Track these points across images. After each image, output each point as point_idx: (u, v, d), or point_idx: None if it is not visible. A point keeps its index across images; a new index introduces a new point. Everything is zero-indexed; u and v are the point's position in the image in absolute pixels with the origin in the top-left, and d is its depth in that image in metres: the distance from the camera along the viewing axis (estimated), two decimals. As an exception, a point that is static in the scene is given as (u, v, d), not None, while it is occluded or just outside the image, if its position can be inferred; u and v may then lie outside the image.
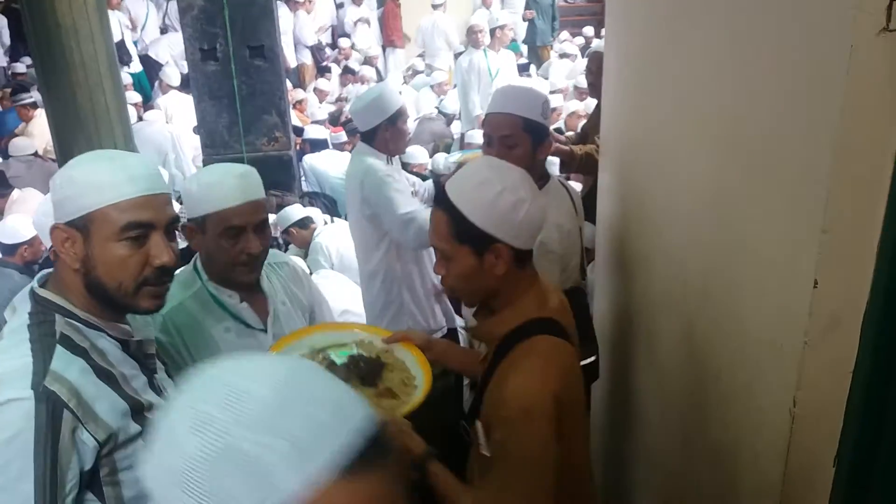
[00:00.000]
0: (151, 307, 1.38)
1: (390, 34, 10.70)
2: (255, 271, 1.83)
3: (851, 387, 1.25)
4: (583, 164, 3.42)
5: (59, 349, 1.28)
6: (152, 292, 1.36)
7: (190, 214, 1.79)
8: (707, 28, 1.64)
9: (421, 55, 10.05)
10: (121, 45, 8.71)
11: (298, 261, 3.68)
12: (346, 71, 9.41)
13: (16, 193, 5.15)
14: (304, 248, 4.51)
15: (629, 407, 2.43)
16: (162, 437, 0.66)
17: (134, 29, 9.66)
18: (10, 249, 4.08)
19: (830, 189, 1.15)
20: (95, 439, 1.28)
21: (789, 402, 1.31)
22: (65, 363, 1.27)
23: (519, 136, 2.14)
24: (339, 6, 10.95)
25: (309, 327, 1.94)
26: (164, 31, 10.14)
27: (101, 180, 1.30)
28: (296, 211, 4.50)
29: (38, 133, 6.45)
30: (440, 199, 1.47)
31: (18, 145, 6.01)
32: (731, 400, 1.59)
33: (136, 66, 9.05)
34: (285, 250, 4.57)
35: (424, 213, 2.60)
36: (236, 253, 1.74)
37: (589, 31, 10.16)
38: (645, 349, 2.25)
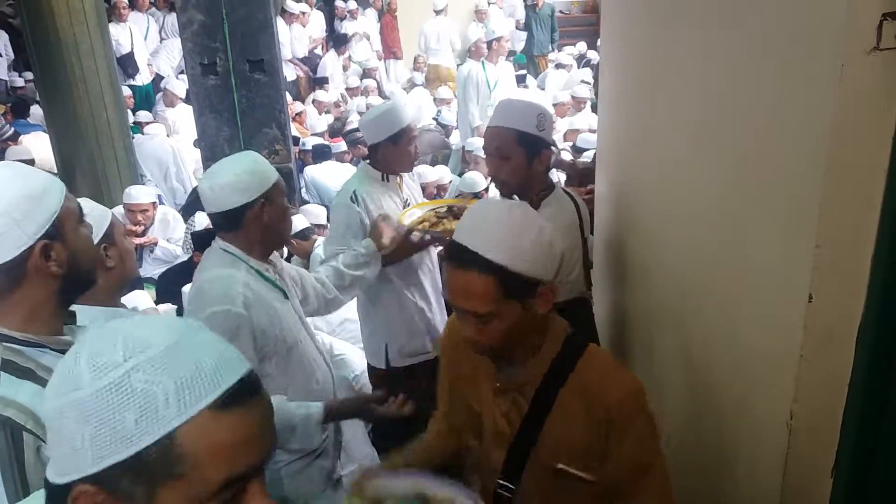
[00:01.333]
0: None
1: (390, 46, 10.77)
2: None
3: (848, 399, 1.26)
4: (586, 176, 3.46)
5: (3, 376, 1.29)
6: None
7: (248, 198, 1.97)
8: (701, 44, 1.66)
9: (421, 58, 10.09)
10: (129, 56, 8.75)
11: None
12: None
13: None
14: (305, 259, 4.53)
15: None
16: (64, 376, 0.76)
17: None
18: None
19: (823, 205, 1.17)
20: None
21: (786, 415, 1.32)
22: (13, 388, 1.29)
23: (512, 149, 2.16)
24: (340, 20, 11.01)
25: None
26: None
27: (47, 183, 1.36)
28: (297, 222, 4.53)
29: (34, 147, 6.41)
30: (476, 263, 1.29)
31: (16, 151, 5.91)
32: (727, 412, 1.60)
33: (144, 78, 9.08)
34: (288, 260, 4.62)
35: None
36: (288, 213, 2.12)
37: (582, 46, 10.12)
38: (641, 360, 2.26)
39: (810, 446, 1.32)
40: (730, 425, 1.59)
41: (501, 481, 1.45)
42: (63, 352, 1.38)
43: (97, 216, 1.89)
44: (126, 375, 0.73)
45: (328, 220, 4.78)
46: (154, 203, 5.05)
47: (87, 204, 1.89)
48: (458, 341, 1.54)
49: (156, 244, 4.81)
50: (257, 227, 2.00)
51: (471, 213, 1.39)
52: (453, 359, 1.60)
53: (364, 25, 10.82)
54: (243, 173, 1.98)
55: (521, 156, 2.16)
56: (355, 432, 3.02)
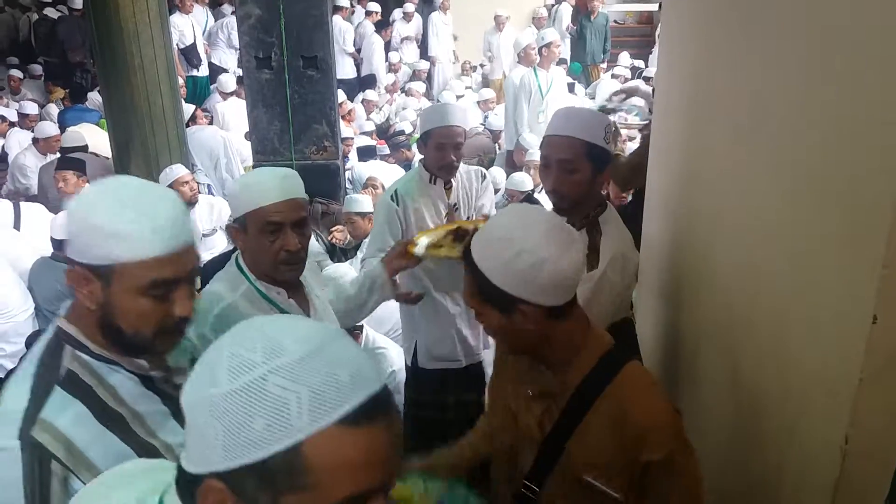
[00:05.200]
0: (168, 349, 1.34)
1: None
2: (298, 269, 1.85)
3: (908, 427, 1.21)
4: None
5: (57, 391, 1.23)
6: (171, 338, 1.32)
7: (234, 215, 1.85)
8: (767, 51, 1.62)
9: (468, 64, 10.13)
10: (192, 48, 8.95)
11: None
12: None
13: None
14: (358, 239, 4.72)
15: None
16: (204, 370, 0.78)
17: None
18: (62, 244, 4.20)
19: (893, 223, 1.12)
20: None
21: (840, 440, 1.27)
22: (59, 408, 1.22)
23: (580, 162, 1.98)
24: (391, 22, 11.09)
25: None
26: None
27: (125, 232, 1.20)
28: (366, 203, 4.67)
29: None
30: (466, 256, 1.41)
31: (71, 137, 6.00)
32: (776, 435, 1.55)
33: (205, 70, 9.28)
34: (332, 250, 4.75)
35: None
36: (276, 250, 1.77)
37: (625, 57, 9.90)
38: (686, 378, 2.21)
39: (864, 474, 1.27)
40: (778, 449, 1.53)
41: (527, 482, 1.52)
42: (139, 376, 1.31)
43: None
44: (262, 378, 0.73)
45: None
46: (192, 175, 5.10)
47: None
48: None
49: None
50: (244, 250, 1.85)
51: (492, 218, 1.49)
52: (500, 358, 1.68)
53: (415, 28, 10.90)
54: (241, 185, 1.86)
55: (587, 169, 1.99)
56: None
